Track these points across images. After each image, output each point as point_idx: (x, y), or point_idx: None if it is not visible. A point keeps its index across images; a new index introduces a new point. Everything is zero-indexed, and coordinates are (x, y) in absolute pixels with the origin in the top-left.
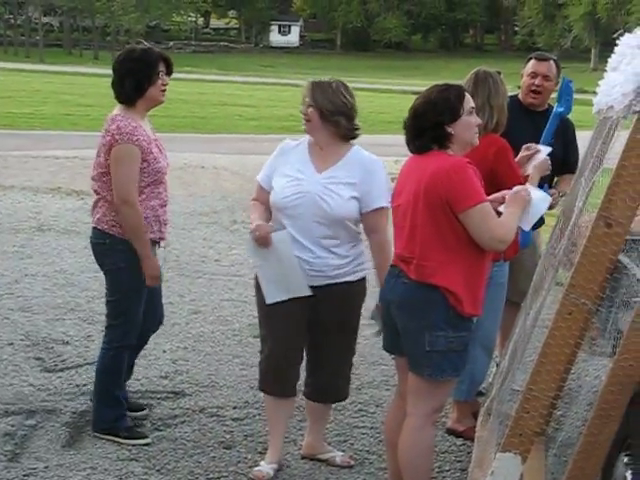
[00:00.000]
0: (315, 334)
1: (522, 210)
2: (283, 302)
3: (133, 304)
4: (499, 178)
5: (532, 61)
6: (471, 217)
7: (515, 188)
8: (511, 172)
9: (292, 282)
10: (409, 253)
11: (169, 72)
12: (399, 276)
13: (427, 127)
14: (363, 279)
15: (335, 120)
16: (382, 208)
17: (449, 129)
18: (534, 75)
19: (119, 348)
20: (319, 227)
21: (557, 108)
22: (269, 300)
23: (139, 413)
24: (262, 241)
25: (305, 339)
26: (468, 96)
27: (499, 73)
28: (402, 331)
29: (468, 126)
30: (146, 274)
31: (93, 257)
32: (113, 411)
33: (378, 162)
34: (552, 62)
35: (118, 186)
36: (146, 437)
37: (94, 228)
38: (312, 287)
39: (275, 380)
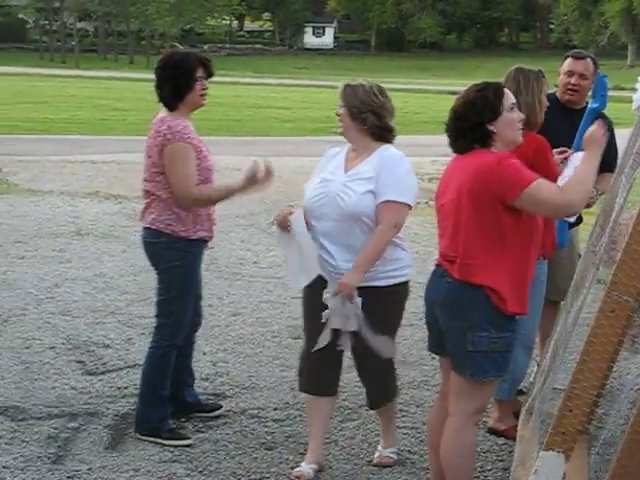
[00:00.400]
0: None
1: (596, 158)
2: (320, 303)
3: (184, 303)
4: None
5: (569, 59)
6: (527, 198)
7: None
8: (550, 170)
9: (308, 264)
10: (453, 252)
11: (209, 75)
12: (443, 275)
13: (468, 127)
14: (396, 285)
15: (363, 117)
16: (390, 202)
17: (490, 127)
18: (571, 74)
19: (167, 347)
20: (339, 226)
21: (592, 104)
22: (293, 286)
23: (216, 412)
24: (281, 222)
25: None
26: (508, 92)
27: (540, 72)
28: (445, 331)
29: (510, 123)
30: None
31: (147, 257)
32: (158, 411)
33: (401, 158)
34: (589, 60)
35: (177, 184)
36: (188, 438)
37: (148, 228)
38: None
39: (310, 379)
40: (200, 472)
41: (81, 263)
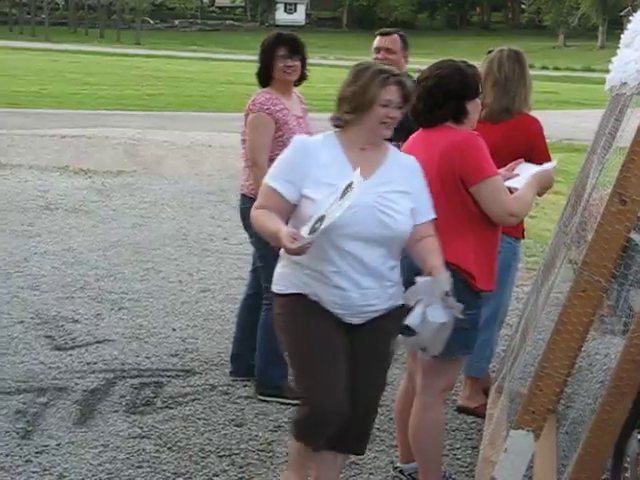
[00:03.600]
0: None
1: (538, 189)
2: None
3: None
4: (536, 156)
5: (377, 37)
6: (483, 189)
7: (544, 167)
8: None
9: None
10: None
11: (294, 52)
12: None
13: (451, 97)
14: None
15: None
16: (433, 219)
17: (468, 106)
18: (378, 50)
19: None
20: (378, 249)
21: None
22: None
23: None
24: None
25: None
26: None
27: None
28: (411, 308)
29: (478, 107)
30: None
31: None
32: (280, 369)
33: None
34: (396, 36)
35: (250, 149)
36: None
37: (240, 194)
38: (357, 324)
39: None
40: (169, 448)
41: (50, 237)
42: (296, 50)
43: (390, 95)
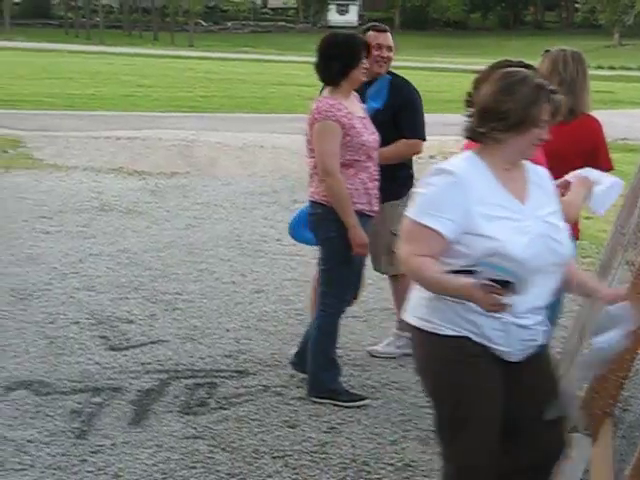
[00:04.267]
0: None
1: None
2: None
3: (345, 272)
4: (600, 157)
5: (373, 33)
6: None
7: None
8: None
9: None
10: None
11: (368, 55)
12: None
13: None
14: None
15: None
16: None
17: None
18: (380, 47)
19: (334, 314)
20: (549, 280)
21: (373, 104)
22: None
23: None
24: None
25: None
26: None
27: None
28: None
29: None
30: (353, 243)
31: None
32: (331, 374)
33: None
34: (389, 33)
35: (320, 159)
36: (365, 398)
37: (310, 201)
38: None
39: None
40: (223, 449)
41: (105, 239)
42: (370, 51)
43: (546, 115)
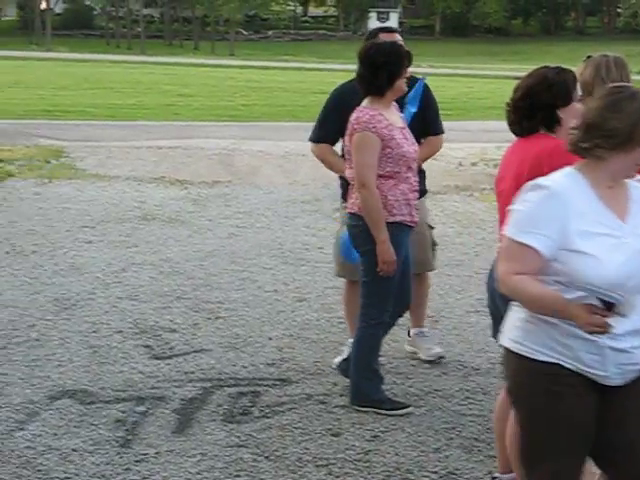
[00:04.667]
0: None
1: None
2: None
3: (385, 283)
4: None
5: (382, 34)
6: None
7: None
8: None
9: None
10: None
11: (409, 64)
12: None
13: (539, 107)
14: None
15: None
16: None
17: (560, 113)
18: None
19: (376, 325)
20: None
21: (410, 108)
22: None
23: None
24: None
25: None
26: (577, 83)
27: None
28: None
29: (576, 114)
30: (380, 259)
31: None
32: (373, 384)
33: None
34: (397, 34)
35: (357, 171)
36: (408, 406)
37: (350, 212)
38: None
39: None
40: (266, 457)
41: (147, 248)
42: (411, 61)
43: None
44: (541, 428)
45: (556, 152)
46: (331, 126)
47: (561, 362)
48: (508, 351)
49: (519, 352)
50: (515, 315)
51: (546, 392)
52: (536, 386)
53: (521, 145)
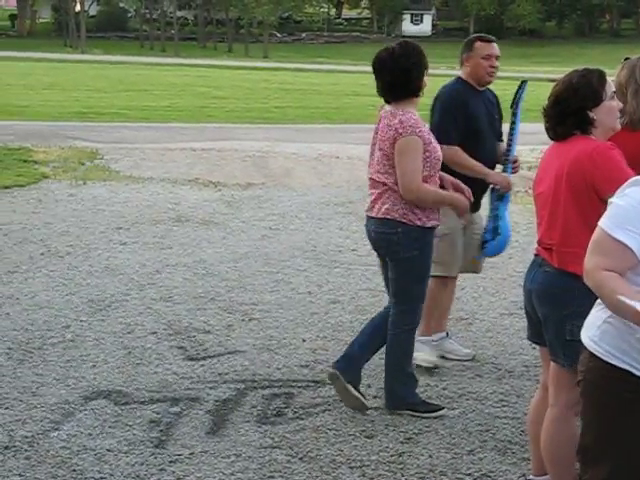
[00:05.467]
0: None
1: None
2: None
3: (423, 289)
4: None
5: (481, 43)
6: None
7: None
8: None
9: None
10: (549, 240)
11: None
12: (541, 265)
13: (569, 113)
14: None
15: None
16: None
17: (591, 114)
18: (489, 57)
19: (410, 330)
20: None
21: (517, 110)
22: None
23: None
24: None
25: None
26: (609, 80)
27: None
28: (543, 320)
29: (610, 111)
30: (459, 209)
31: (378, 247)
32: (407, 387)
33: None
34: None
35: (404, 176)
36: (443, 408)
37: (382, 219)
38: None
39: None
40: (300, 459)
41: (181, 249)
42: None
43: None
44: (605, 428)
45: (596, 152)
46: (457, 127)
47: (632, 369)
48: (585, 348)
49: (594, 352)
50: (597, 314)
51: (615, 395)
52: (606, 387)
53: (559, 148)
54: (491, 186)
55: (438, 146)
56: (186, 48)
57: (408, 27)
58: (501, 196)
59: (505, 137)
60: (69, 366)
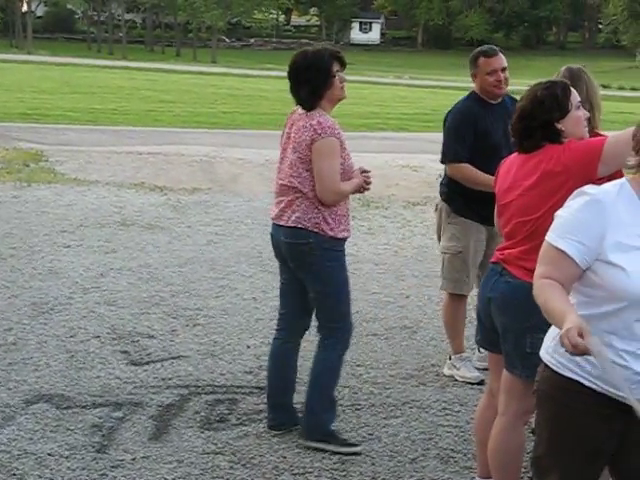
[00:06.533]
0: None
1: None
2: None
3: (348, 301)
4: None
5: (484, 59)
6: (609, 156)
7: None
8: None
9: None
10: (512, 249)
11: (343, 66)
12: (502, 274)
13: (536, 126)
14: None
15: None
16: None
17: (559, 126)
18: (494, 71)
19: (344, 349)
20: None
21: None
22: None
23: None
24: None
25: None
26: (574, 91)
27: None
28: (502, 330)
29: (578, 121)
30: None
31: (289, 258)
32: (331, 415)
33: None
34: (500, 54)
35: (325, 178)
36: (358, 445)
37: (292, 227)
38: None
39: None
40: (243, 465)
41: (126, 253)
42: (344, 63)
43: None
44: (556, 439)
45: (569, 147)
46: (465, 144)
47: (583, 380)
48: (541, 360)
49: (547, 363)
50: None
51: (566, 407)
52: (558, 398)
53: (526, 158)
54: None
55: (351, 154)
56: (134, 51)
57: (357, 35)
58: None
59: None
60: (10, 369)
